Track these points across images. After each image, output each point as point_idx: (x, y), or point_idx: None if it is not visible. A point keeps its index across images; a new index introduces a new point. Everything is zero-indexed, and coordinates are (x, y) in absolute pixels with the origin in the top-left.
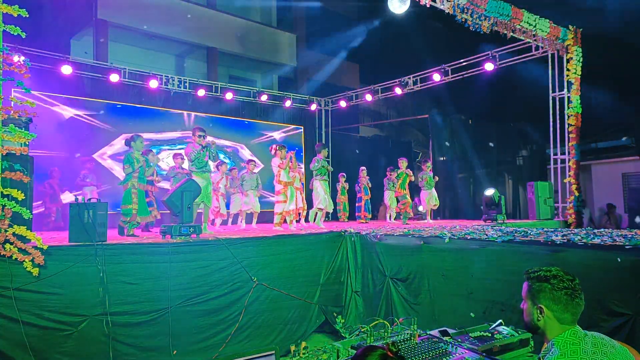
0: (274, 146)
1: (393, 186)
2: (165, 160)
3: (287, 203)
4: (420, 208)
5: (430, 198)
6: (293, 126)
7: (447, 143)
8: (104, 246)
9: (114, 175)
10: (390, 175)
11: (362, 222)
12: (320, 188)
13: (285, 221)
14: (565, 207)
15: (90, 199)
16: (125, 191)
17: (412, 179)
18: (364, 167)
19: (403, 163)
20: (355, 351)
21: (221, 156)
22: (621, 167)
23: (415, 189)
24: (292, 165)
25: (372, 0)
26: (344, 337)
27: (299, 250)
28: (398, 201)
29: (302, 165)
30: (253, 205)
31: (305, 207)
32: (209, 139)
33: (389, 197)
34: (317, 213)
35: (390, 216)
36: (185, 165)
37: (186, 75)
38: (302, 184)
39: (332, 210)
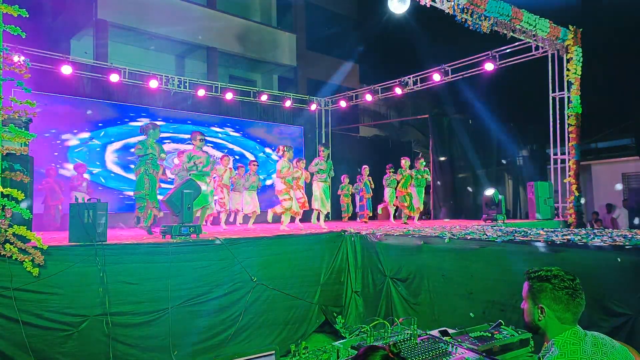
0: (281, 147)
1: (395, 183)
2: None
3: (293, 202)
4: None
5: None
6: (293, 126)
7: (447, 143)
8: (104, 246)
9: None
10: (391, 173)
11: (364, 222)
12: (317, 189)
13: (292, 220)
14: (565, 207)
15: (90, 199)
16: (137, 177)
17: (413, 181)
18: (366, 166)
19: (406, 162)
20: (355, 351)
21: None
22: (621, 167)
23: None
24: (300, 165)
25: (372, 0)
26: (344, 337)
27: (299, 251)
28: (397, 199)
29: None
30: (255, 206)
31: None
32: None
33: (389, 194)
34: (318, 214)
35: (391, 215)
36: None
37: (186, 75)
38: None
39: (326, 212)
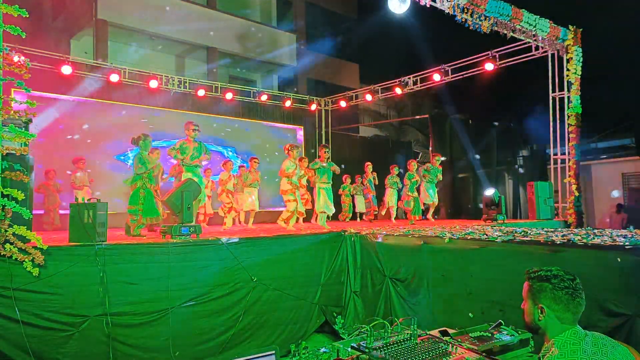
0: (286, 145)
1: (397, 185)
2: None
3: (299, 203)
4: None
5: (425, 194)
6: (293, 126)
7: (447, 143)
8: (104, 246)
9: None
10: (395, 173)
11: (370, 219)
12: (320, 192)
13: (297, 221)
14: (565, 207)
15: (90, 199)
16: (133, 191)
17: (424, 181)
18: (369, 163)
19: (413, 165)
20: (355, 351)
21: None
22: (621, 167)
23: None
24: (302, 164)
25: (372, 0)
26: (342, 338)
27: (299, 251)
28: (405, 204)
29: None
30: (253, 203)
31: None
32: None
33: (389, 195)
34: (320, 216)
35: (391, 215)
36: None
37: (186, 75)
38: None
39: (330, 214)
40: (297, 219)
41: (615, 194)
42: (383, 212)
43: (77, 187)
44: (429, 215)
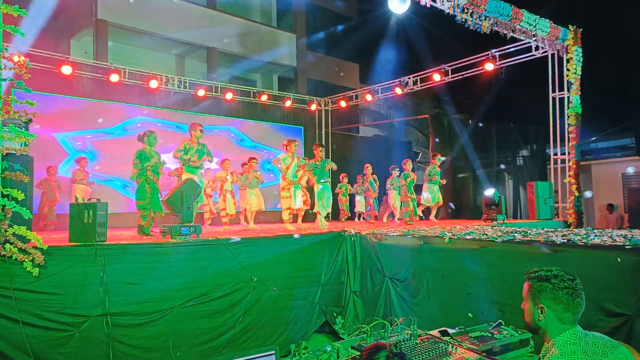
0: (284, 142)
1: (397, 187)
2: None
3: (293, 199)
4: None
5: (431, 194)
6: (293, 126)
7: (447, 143)
8: (104, 246)
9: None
10: (394, 174)
11: (371, 222)
12: (318, 192)
13: (296, 220)
14: (565, 207)
15: (90, 199)
16: (138, 185)
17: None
18: (368, 164)
19: (408, 165)
20: (355, 351)
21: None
22: (621, 167)
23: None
24: (304, 166)
25: (372, 0)
26: (342, 338)
27: (300, 250)
28: (402, 204)
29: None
30: (260, 203)
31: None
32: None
33: (393, 197)
34: (318, 217)
35: (394, 216)
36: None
37: (186, 75)
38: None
39: (326, 214)
40: (296, 217)
41: (588, 194)
42: (385, 219)
43: (77, 182)
44: (432, 217)
